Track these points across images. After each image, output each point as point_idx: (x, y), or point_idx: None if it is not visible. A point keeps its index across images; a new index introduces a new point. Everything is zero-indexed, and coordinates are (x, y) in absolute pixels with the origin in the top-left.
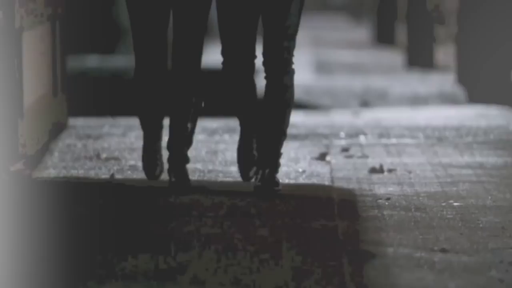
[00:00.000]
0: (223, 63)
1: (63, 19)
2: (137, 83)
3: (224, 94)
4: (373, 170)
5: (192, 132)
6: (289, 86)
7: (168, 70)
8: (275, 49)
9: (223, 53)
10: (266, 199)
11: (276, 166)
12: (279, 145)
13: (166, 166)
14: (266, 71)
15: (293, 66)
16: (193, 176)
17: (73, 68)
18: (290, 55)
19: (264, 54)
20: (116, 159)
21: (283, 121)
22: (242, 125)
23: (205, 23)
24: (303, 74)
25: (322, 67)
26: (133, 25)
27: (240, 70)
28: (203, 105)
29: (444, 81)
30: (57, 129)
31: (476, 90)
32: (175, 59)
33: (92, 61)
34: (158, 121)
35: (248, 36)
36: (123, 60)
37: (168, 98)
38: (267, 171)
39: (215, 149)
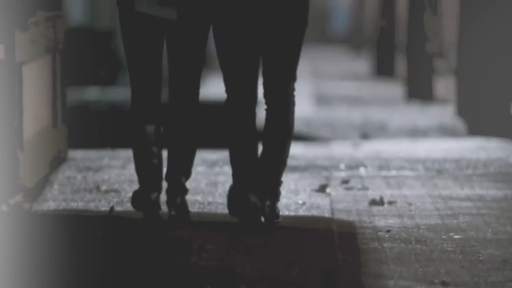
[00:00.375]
0: (226, 91)
1: (64, 51)
2: (133, 116)
3: (224, 125)
4: (373, 202)
5: (191, 163)
6: (290, 117)
7: (161, 103)
8: (275, 81)
9: (225, 83)
10: (266, 231)
11: (276, 196)
12: (279, 175)
13: (165, 197)
14: (266, 103)
15: (295, 98)
16: (193, 208)
17: (73, 100)
18: (291, 87)
19: (264, 86)
20: (116, 191)
21: (284, 151)
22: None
23: (202, 55)
24: (303, 106)
25: (322, 99)
26: (128, 58)
27: (242, 102)
28: (202, 135)
29: (443, 113)
30: (57, 161)
31: (475, 123)
32: (172, 91)
33: (92, 93)
34: (155, 155)
35: (249, 68)
36: (123, 92)
37: (166, 130)
38: (267, 203)
39: (215, 181)
